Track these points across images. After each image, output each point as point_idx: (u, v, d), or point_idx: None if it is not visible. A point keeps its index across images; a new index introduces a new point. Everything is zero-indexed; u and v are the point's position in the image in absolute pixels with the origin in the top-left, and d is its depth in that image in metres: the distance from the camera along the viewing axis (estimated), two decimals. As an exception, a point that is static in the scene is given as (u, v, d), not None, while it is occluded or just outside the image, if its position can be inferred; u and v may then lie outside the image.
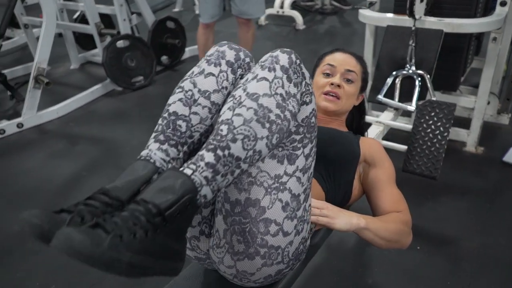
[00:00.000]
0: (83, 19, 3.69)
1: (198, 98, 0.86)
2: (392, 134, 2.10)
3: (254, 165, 0.84)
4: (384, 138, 1.92)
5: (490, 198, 1.93)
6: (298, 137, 0.87)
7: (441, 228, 1.78)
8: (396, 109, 1.99)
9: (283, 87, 0.81)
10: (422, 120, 1.69)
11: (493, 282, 1.53)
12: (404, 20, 2.01)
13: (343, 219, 0.98)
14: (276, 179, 0.85)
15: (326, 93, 1.24)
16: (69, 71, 3.83)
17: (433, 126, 1.67)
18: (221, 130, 0.76)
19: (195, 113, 0.86)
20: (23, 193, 2.15)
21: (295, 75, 0.83)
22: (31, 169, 2.36)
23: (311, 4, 5.42)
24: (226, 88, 0.88)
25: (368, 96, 2.05)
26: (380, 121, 1.88)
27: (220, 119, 0.79)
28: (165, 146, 0.83)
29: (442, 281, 1.54)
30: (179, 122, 0.85)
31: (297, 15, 4.73)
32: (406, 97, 1.92)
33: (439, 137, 1.65)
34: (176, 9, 5.68)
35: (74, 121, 2.91)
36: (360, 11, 2.19)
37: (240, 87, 0.82)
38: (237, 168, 0.76)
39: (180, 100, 0.86)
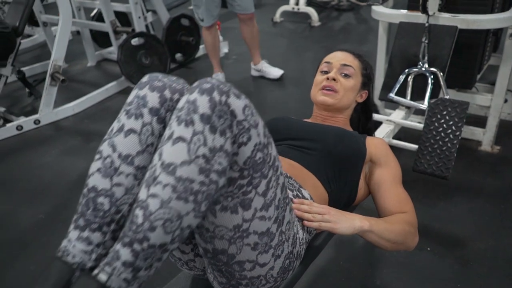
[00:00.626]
0: (100, 17, 3.74)
1: (119, 166, 0.74)
2: (403, 133, 2.07)
3: (207, 221, 0.76)
4: (395, 137, 1.89)
5: (505, 199, 1.88)
6: (245, 181, 0.75)
7: (453, 229, 1.74)
8: (408, 107, 1.95)
9: (205, 144, 0.67)
10: (434, 119, 1.66)
11: (505, 285, 1.49)
12: (417, 17, 1.97)
13: (346, 223, 0.96)
14: (236, 229, 0.77)
15: (323, 88, 1.24)
16: (86, 69, 3.89)
17: (445, 125, 1.63)
18: (136, 217, 0.65)
19: (118, 185, 0.74)
20: (38, 188, 2.19)
21: (221, 119, 0.68)
22: (46, 165, 2.41)
23: (327, 0, 5.37)
24: (153, 144, 0.76)
25: (379, 94, 2.03)
26: (391, 120, 1.85)
27: (137, 197, 0.68)
28: (86, 233, 0.74)
29: (452, 283, 1.51)
30: (100, 199, 0.74)
31: (312, 12, 4.70)
32: (418, 95, 1.88)
33: (451, 136, 1.61)
34: (191, 7, 5.68)
35: (89, 118, 2.96)
36: (373, 7, 2.16)
37: (158, 148, 0.70)
38: (164, 253, 0.68)
39: (98, 170, 0.75)
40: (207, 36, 3.18)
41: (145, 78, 0.79)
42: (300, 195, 1.02)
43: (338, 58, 1.27)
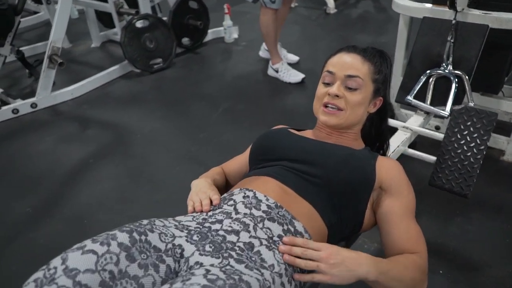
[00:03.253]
0: (105, -4, 3.58)
1: (58, 277, 0.67)
2: (419, 137, 1.89)
3: None
4: (410, 146, 1.72)
5: (528, 218, 1.72)
6: None
7: (469, 250, 1.59)
8: (427, 113, 1.78)
9: None
10: (456, 129, 1.49)
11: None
12: (444, 12, 1.77)
13: (347, 274, 0.79)
14: None
15: (325, 105, 1.05)
16: (89, 50, 3.75)
17: (468, 137, 1.46)
18: None
19: None
20: (28, 179, 2.08)
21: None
22: (39, 153, 2.30)
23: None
24: (111, 272, 0.69)
25: (396, 96, 1.85)
26: (407, 127, 1.68)
27: None
28: None
29: (465, 313, 1.37)
30: None
31: (329, -2, 4.47)
32: (439, 100, 1.70)
33: (474, 150, 1.44)
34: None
35: (88, 103, 2.83)
36: (395, -1, 1.97)
37: None
38: None
39: (35, 281, 0.68)
40: (271, 22, 2.81)
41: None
42: (292, 229, 0.87)
43: (342, 65, 1.04)
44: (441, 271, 1.50)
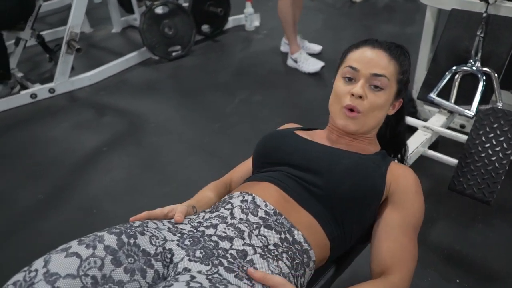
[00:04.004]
0: (126, -19, 3.55)
1: (37, 282, 0.64)
2: (443, 140, 1.79)
3: None
4: (432, 145, 1.63)
5: (556, 227, 1.61)
6: None
7: (489, 260, 1.50)
8: (451, 112, 1.67)
9: None
10: (481, 132, 1.39)
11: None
12: (474, 4, 1.65)
13: None
14: None
15: (346, 107, 0.93)
16: (110, 35, 3.73)
17: (494, 141, 1.36)
18: None
19: None
20: (42, 165, 2.09)
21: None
22: (54, 139, 2.30)
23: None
24: (94, 277, 0.66)
25: (418, 93, 1.75)
26: (428, 127, 1.59)
27: None
28: None
29: (481, 327, 1.29)
30: None
31: (355, -14, 4.31)
32: (465, 98, 1.60)
33: (500, 155, 1.35)
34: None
35: (105, 89, 2.82)
36: (422, -11, 1.85)
37: None
38: None
39: (13, 284, 0.65)
40: (288, 7, 2.75)
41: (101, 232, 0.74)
42: (290, 238, 0.81)
43: (367, 62, 0.93)
44: (457, 280, 1.42)
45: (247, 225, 0.79)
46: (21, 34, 2.83)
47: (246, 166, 1.09)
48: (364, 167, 0.89)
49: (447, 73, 1.66)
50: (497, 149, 1.35)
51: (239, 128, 2.33)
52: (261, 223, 0.80)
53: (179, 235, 0.78)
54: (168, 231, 0.79)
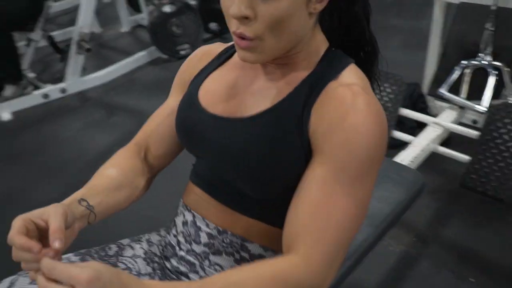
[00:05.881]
0: (134, -20, 3.57)
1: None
2: (454, 136, 1.77)
3: None
4: (444, 141, 1.62)
5: None
6: None
7: (505, 258, 1.47)
8: (462, 107, 1.66)
9: None
10: (493, 127, 1.38)
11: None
12: (485, -3, 1.63)
13: None
14: None
15: (238, 36, 0.62)
16: (119, 34, 3.76)
17: (506, 136, 1.35)
18: None
19: None
20: (54, 164, 2.13)
21: None
22: (66, 139, 2.34)
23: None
24: None
25: (428, 88, 1.74)
26: (438, 123, 1.57)
27: None
28: None
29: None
30: None
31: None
32: (475, 93, 1.58)
33: (512, 150, 1.33)
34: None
35: (116, 89, 2.85)
36: (431, -17, 1.83)
37: None
38: None
39: None
40: None
41: None
42: (247, 255, 0.71)
43: None
44: (472, 279, 1.41)
45: (195, 256, 0.74)
46: (31, 35, 2.86)
47: (162, 116, 0.84)
48: (261, 147, 0.63)
49: (456, 67, 1.64)
50: (510, 144, 1.34)
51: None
52: (208, 251, 0.72)
53: (151, 267, 0.79)
54: (143, 259, 0.79)
